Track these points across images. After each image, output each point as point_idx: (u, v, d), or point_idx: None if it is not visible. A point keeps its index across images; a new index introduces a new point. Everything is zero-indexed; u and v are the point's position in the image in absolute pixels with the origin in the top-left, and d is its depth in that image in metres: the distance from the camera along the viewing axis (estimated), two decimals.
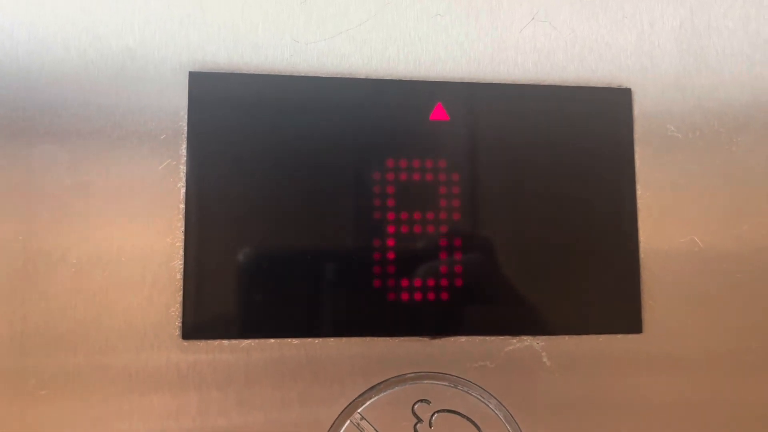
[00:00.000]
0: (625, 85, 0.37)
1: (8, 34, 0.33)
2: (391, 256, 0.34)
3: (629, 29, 0.38)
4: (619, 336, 0.36)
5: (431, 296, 0.34)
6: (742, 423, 0.36)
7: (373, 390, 0.33)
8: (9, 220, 0.32)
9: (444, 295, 0.34)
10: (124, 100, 0.33)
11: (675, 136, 0.37)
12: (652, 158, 0.37)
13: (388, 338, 0.34)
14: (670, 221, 0.37)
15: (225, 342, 0.33)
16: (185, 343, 0.32)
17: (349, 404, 0.33)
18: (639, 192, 0.37)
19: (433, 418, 0.34)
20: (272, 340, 0.33)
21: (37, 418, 0.31)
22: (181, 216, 0.33)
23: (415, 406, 0.34)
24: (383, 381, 0.34)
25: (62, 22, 0.33)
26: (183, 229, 0.33)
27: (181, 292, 0.32)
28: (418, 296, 0.34)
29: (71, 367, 0.32)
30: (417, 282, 0.34)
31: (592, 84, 0.37)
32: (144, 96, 0.33)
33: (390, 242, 0.34)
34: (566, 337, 0.35)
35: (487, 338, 0.35)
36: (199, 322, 0.32)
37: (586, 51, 0.37)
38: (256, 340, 0.33)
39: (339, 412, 0.33)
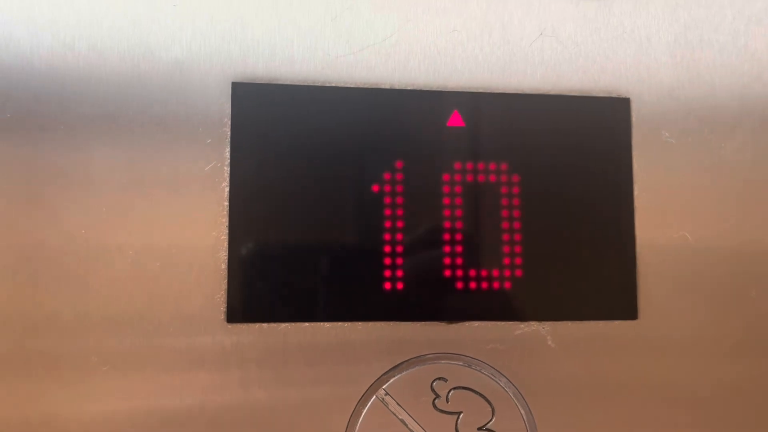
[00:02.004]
0: (624, 94, 0.41)
1: (70, 47, 0.37)
2: (399, 249, 0.38)
3: (628, 43, 0.41)
4: (617, 322, 0.39)
5: (448, 285, 0.38)
6: (725, 399, 0.40)
7: (396, 369, 0.37)
8: (73, 216, 0.35)
9: (459, 285, 0.38)
10: (173, 107, 0.37)
11: (669, 141, 0.41)
12: (648, 161, 0.41)
13: (409, 323, 0.38)
14: (664, 218, 0.40)
15: (264, 325, 0.37)
16: (229, 326, 0.36)
17: (375, 381, 0.37)
18: (636, 192, 0.40)
19: (450, 394, 0.38)
20: (306, 324, 0.37)
21: (99, 390, 0.35)
22: (225, 213, 0.37)
23: (434, 383, 0.38)
24: (405, 361, 0.37)
25: (118, 36, 0.37)
26: (227, 224, 0.36)
27: (226, 281, 0.36)
28: (438, 286, 0.38)
29: (127, 346, 0.36)
30: (436, 274, 0.38)
31: (594, 93, 0.41)
32: (191, 104, 0.37)
33: (399, 236, 0.38)
34: (569, 323, 0.39)
35: (498, 323, 0.38)
36: (242, 307, 0.36)
37: (589, 63, 0.41)
38: (293, 324, 0.37)
39: (366, 389, 0.37)
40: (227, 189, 0.37)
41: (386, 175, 0.38)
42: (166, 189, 0.36)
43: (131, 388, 0.35)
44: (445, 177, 0.39)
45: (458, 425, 0.37)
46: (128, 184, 0.36)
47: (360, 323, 0.37)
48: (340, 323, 0.37)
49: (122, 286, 0.36)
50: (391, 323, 0.38)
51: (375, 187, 0.38)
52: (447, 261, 0.39)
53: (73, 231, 0.35)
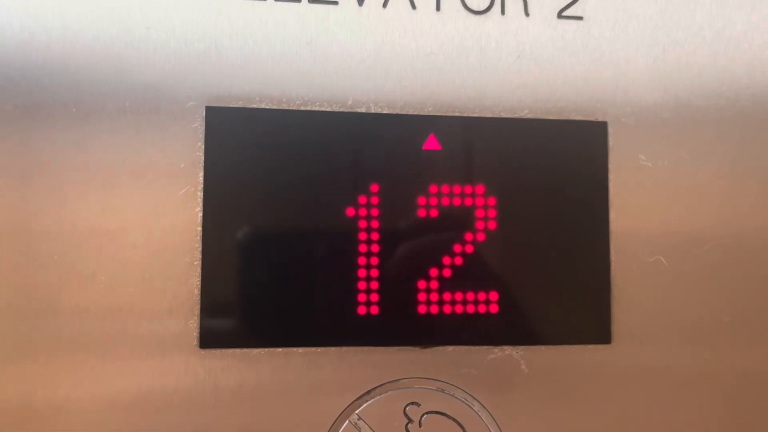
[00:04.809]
0: (602, 118, 0.41)
1: (48, 71, 0.36)
2: (374, 273, 0.38)
3: (606, 66, 0.41)
4: (590, 346, 0.40)
5: (422, 310, 0.38)
6: (698, 424, 0.40)
7: (369, 394, 0.37)
8: (44, 241, 0.35)
9: (433, 309, 0.38)
10: (147, 131, 0.37)
11: (646, 165, 0.41)
12: (624, 185, 0.41)
13: (383, 348, 0.38)
14: (639, 242, 0.40)
15: (237, 350, 0.37)
16: (202, 351, 0.36)
17: (348, 406, 0.37)
18: (612, 216, 0.40)
19: (423, 418, 0.38)
20: (279, 349, 0.37)
21: (70, 418, 0.35)
22: (198, 238, 0.36)
23: (407, 408, 0.38)
24: (378, 385, 0.38)
25: (93, 60, 0.36)
26: (201, 249, 0.36)
27: (199, 307, 0.36)
28: (410, 311, 0.38)
29: (101, 371, 0.35)
30: (409, 299, 0.38)
31: (571, 117, 0.41)
32: (165, 127, 0.37)
33: (373, 261, 0.38)
34: (543, 347, 0.39)
35: (472, 348, 0.39)
36: (215, 333, 0.36)
37: (567, 87, 0.41)
38: (265, 349, 0.37)
39: (339, 413, 0.37)
40: (200, 214, 0.37)
41: (361, 199, 0.38)
42: (139, 214, 0.36)
43: (104, 412, 0.35)
44: (421, 200, 0.39)
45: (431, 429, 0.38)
46: (101, 210, 0.36)
47: (333, 348, 0.37)
48: (313, 348, 0.37)
49: (95, 313, 0.35)
50: (365, 348, 0.38)
51: (350, 211, 0.38)
52: (422, 285, 0.39)
53: (45, 258, 0.35)
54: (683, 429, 0.40)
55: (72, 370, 0.35)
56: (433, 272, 0.39)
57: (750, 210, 0.42)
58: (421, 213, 0.39)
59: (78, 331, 0.35)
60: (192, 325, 0.36)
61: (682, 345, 0.40)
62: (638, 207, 0.41)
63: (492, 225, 0.40)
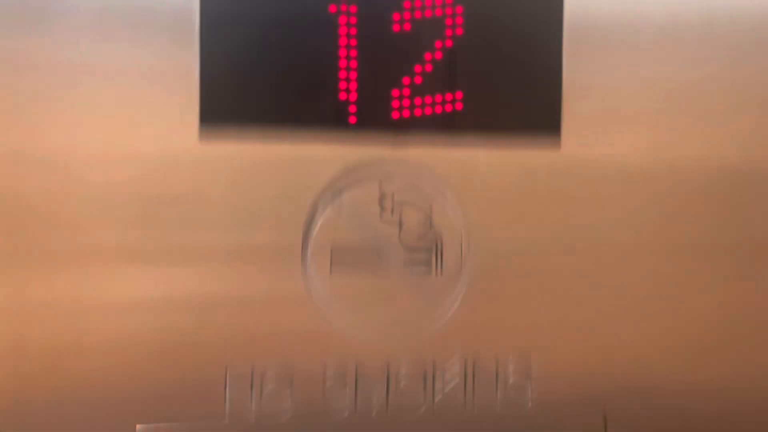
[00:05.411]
0: None
1: None
2: (353, 64, 0.43)
3: None
4: (542, 140, 0.45)
5: (396, 105, 0.43)
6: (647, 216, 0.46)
7: (349, 173, 0.43)
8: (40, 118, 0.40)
9: (405, 113, 0.43)
10: None
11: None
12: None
13: (362, 133, 0.43)
14: (590, 38, 0.45)
15: (233, 133, 0.41)
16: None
17: (330, 183, 0.43)
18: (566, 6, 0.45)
19: (395, 199, 0.44)
20: (271, 132, 0.42)
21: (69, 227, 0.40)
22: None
23: (381, 186, 0.44)
24: (357, 167, 0.43)
25: None
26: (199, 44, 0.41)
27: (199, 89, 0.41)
28: (386, 99, 0.43)
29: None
30: (385, 85, 0.43)
31: None
32: None
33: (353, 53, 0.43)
34: (503, 143, 0.44)
35: (443, 139, 0.44)
36: (214, 112, 0.41)
37: None
38: (258, 130, 0.42)
39: (321, 189, 0.43)
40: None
41: None
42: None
43: (108, 213, 0.40)
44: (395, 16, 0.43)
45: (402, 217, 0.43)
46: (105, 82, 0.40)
47: (319, 130, 0.42)
48: (301, 137, 0.42)
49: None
50: (346, 146, 0.43)
51: (332, 8, 0.42)
52: (395, 93, 0.43)
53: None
54: (632, 219, 0.46)
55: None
56: (406, 79, 0.43)
57: None
58: (395, 17, 0.43)
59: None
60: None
61: (631, 137, 0.45)
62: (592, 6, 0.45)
63: (459, 32, 0.44)
